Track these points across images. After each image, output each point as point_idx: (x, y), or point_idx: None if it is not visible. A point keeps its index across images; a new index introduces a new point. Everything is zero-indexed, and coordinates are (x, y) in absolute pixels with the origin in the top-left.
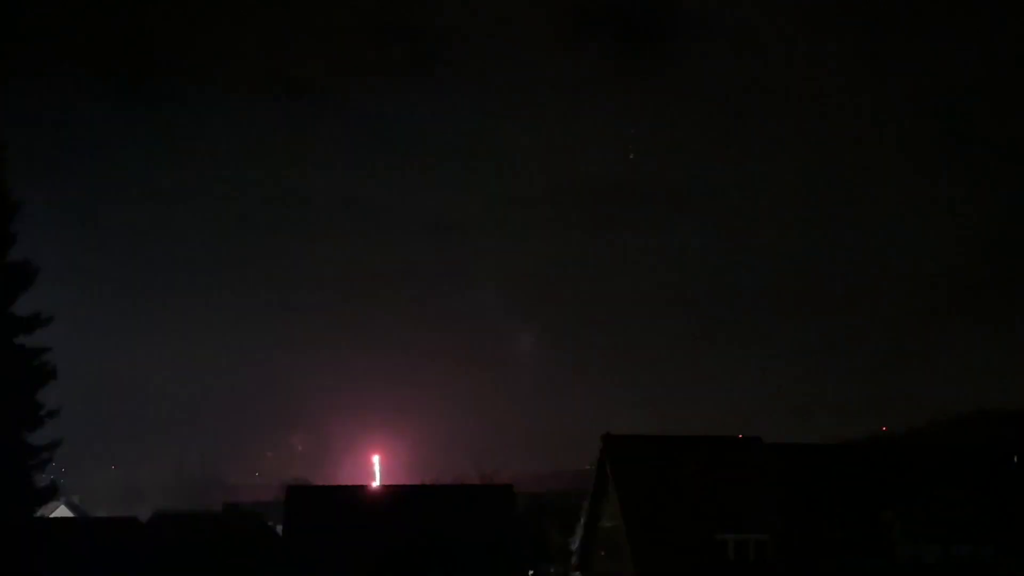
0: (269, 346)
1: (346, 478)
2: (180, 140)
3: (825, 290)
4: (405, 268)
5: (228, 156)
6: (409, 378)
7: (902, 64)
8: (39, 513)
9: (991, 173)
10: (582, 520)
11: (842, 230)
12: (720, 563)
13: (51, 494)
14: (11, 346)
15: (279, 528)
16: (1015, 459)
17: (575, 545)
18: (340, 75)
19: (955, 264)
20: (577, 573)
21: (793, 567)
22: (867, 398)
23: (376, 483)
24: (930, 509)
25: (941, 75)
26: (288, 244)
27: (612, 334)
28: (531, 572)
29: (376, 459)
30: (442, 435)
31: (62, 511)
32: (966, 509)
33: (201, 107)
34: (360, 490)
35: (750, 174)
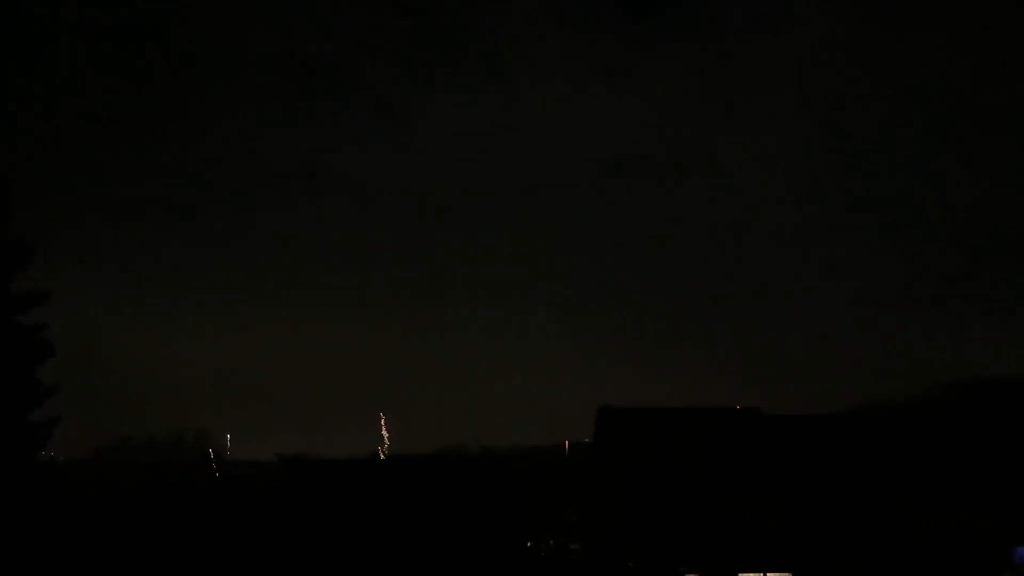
0: (273, 320)
1: (353, 447)
2: (186, 118)
3: (824, 262)
4: (411, 243)
5: (234, 134)
6: (413, 352)
7: (917, 37)
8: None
9: (994, 149)
10: (581, 492)
11: (844, 203)
12: (718, 534)
13: (50, 472)
14: (8, 324)
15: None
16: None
17: (574, 517)
18: (347, 52)
19: (952, 234)
20: (576, 545)
21: (791, 538)
22: (865, 367)
23: (385, 443)
24: (928, 479)
25: (956, 48)
26: (293, 220)
27: (613, 306)
28: (529, 544)
29: (383, 419)
30: (443, 408)
31: None
32: (964, 478)
33: (206, 84)
34: (360, 464)
35: (754, 147)
